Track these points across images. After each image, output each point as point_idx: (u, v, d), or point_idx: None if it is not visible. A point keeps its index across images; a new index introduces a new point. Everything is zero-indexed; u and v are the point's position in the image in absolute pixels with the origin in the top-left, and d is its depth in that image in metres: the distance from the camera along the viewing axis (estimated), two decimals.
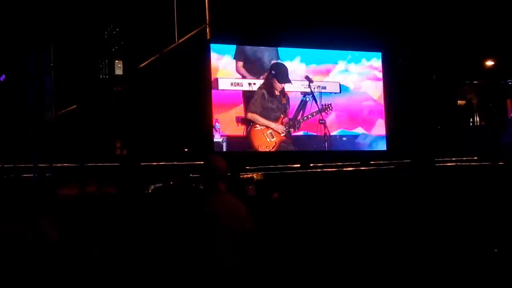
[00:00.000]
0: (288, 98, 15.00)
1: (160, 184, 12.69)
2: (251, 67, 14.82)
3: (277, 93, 14.86)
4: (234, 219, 4.00)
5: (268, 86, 14.79)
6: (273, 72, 14.89)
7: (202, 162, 4.18)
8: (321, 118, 14.86)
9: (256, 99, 14.64)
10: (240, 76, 14.69)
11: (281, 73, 14.95)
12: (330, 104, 15.19)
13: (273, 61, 15.02)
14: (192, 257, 3.90)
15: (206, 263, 3.88)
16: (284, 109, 14.90)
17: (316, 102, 14.85)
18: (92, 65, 18.50)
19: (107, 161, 13.89)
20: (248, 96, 14.70)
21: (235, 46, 14.83)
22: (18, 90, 16.73)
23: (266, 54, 15.09)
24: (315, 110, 14.89)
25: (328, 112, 15.07)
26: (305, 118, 14.95)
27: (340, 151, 15.28)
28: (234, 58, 14.73)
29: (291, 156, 14.99)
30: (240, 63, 14.75)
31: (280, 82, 14.89)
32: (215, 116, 14.38)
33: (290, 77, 15.05)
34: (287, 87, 15.01)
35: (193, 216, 4.01)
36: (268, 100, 14.75)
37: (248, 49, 15.00)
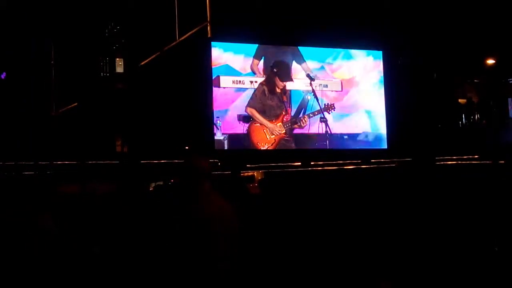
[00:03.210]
0: (289, 96, 15.01)
1: (161, 182, 12.69)
2: (268, 67, 14.90)
3: (278, 90, 14.87)
4: (220, 219, 3.99)
5: (269, 83, 14.80)
6: (275, 70, 14.90)
7: (183, 161, 4.17)
8: (322, 116, 14.86)
9: (256, 95, 14.65)
10: (243, 74, 14.72)
11: (283, 71, 14.96)
12: (333, 104, 15.20)
13: (274, 59, 15.04)
14: (182, 258, 3.90)
15: (195, 264, 3.88)
16: (285, 107, 14.90)
17: (317, 100, 14.86)
18: (92, 63, 18.47)
19: (108, 159, 13.88)
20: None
21: (256, 45, 14.89)
22: (19, 88, 16.72)
23: (288, 54, 15.16)
24: (317, 109, 14.89)
25: (330, 111, 15.08)
26: (306, 116, 14.95)
27: (341, 149, 15.28)
28: (253, 57, 14.78)
29: (293, 154, 14.99)
30: (257, 62, 14.78)
31: (282, 80, 14.90)
32: (216, 114, 14.37)
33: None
34: (289, 85, 15.01)
35: (180, 218, 4.00)
36: (268, 97, 14.75)
37: (270, 48, 15.06)
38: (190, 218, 3.97)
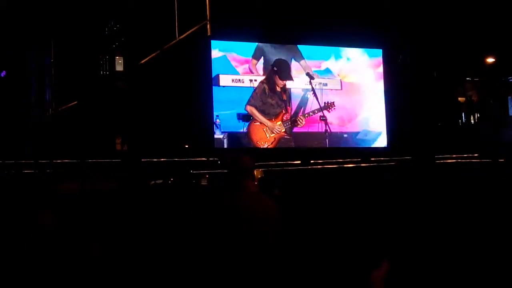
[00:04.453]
0: (289, 94, 15.01)
1: (160, 181, 12.69)
2: (267, 66, 14.92)
3: (278, 89, 14.87)
4: (264, 218, 3.95)
5: (269, 82, 14.80)
6: (275, 68, 14.90)
7: (227, 160, 4.13)
8: (322, 115, 14.84)
9: (257, 93, 14.65)
10: (245, 73, 14.74)
11: (283, 70, 14.96)
12: (333, 102, 15.17)
13: (274, 58, 15.04)
14: (218, 255, 3.86)
15: (232, 261, 3.84)
16: (285, 105, 14.90)
17: (317, 99, 14.84)
18: (92, 61, 18.48)
19: (108, 157, 13.90)
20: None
21: (255, 44, 14.91)
22: (19, 86, 16.73)
23: (288, 53, 15.17)
24: (317, 108, 14.86)
25: (330, 110, 15.05)
26: (306, 115, 14.95)
27: (341, 148, 15.27)
28: (252, 56, 14.79)
29: (292, 153, 14.99)
30: (255, 61, 14.79)
31: (282, 79, 14.90)
32: (216, 112, 14.37)
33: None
34: (288, 83, 15.01)
35: (218, 214, 3.96)
36: (268, 96, 14.75)
37: (269, 47, 15.07)
38: (234, 216, 3.92)
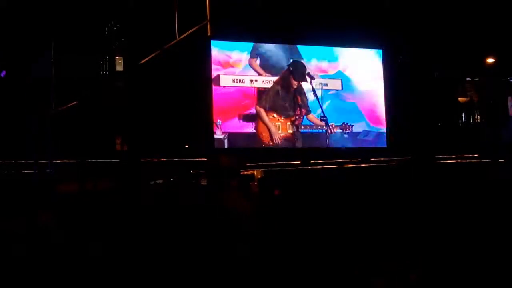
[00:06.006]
0: (305, 96, 14.97)
1: (161, 181, 12.71)
2: (266, 64, 14.88)
3: (292, 90, 14.87)
4: (240, 216, 4.00)
5: (284, 83, 14.82)
6: (290, 68, 14.92)
7: (211, 161, 4.20)
8: (323, 115, 14.81)
9: (269, 95, 14.66)
10: (250, 73, 14.73)
11: (297, 71, 14.96)
12: (351, 126, 15.17)
13: (291, 59, 15.06)
14: (199, 252, 3.90)
15: (211, 258, 3.88)
16: (300, 109, 14.89)
17: (317, 99, 14.81)
18: (92, 61, 18.45)
19: (108, 158, 13.89)
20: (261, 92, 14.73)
21: (252, 43, 14.88)
22: (19, 86, 16.72)
23: (284, 52, 15.15)
24: (323, 118, 14.76)
25: (345, 131, 15.11)
26: (313, 119, 14.96)
27: (341, 148, 15.27)
28: (249, 55, 14.78)
29: (293, 153, 14.98)
30: (253, 60, 14.79)
31: (295, 79, 14.89)
32: (217, 112, 14.36)
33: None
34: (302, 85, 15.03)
35: (200, 213, 4.01)
36: (281, 97, 14.76)
37: (265, 46, 15.05)
38: (214, 214, 3.97)
